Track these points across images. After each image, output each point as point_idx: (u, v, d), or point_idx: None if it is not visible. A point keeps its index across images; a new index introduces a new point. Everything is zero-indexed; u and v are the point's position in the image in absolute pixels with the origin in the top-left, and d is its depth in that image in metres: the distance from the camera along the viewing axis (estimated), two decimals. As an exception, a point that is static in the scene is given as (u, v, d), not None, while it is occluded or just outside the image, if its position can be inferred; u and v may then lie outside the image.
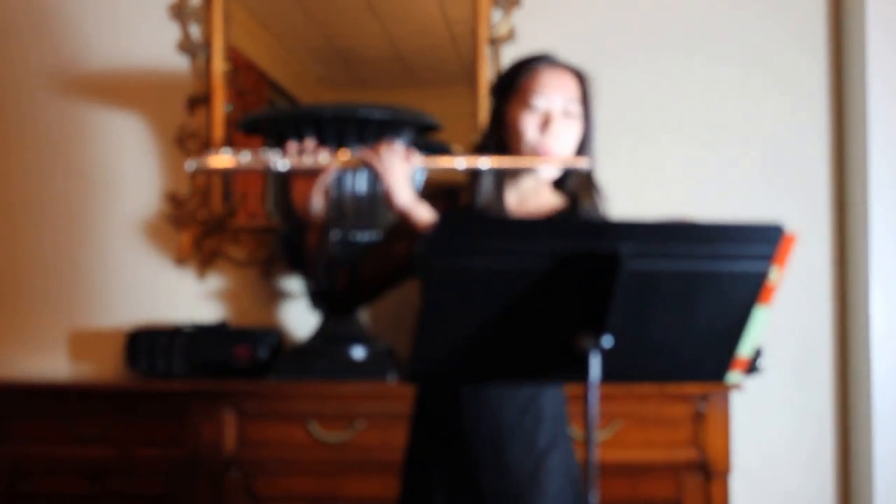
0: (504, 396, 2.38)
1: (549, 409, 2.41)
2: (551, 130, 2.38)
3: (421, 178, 3.31)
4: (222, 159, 2.39)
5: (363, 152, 2.39)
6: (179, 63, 3.85)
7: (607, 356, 1.91)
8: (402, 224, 2.41)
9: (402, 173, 2.36)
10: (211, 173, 2.49)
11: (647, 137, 3.77)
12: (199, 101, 3.81)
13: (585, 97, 2.44)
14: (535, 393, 2.40)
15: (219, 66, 3.81)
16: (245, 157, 2.39)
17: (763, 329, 2.06)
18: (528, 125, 2.39)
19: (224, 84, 3.81)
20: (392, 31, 3.88)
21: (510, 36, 3.77)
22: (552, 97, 2.39)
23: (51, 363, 3.82)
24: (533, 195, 2.50)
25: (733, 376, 2.10)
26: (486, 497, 2.36)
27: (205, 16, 3.83)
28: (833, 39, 3.79)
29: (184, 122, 3.81)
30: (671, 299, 1.93)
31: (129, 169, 3.84)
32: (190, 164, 2.42)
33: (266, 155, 2.37)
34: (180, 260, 3.82)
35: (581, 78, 2.45)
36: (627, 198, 3.70)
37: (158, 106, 3.84)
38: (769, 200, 3.75)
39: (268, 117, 3.53)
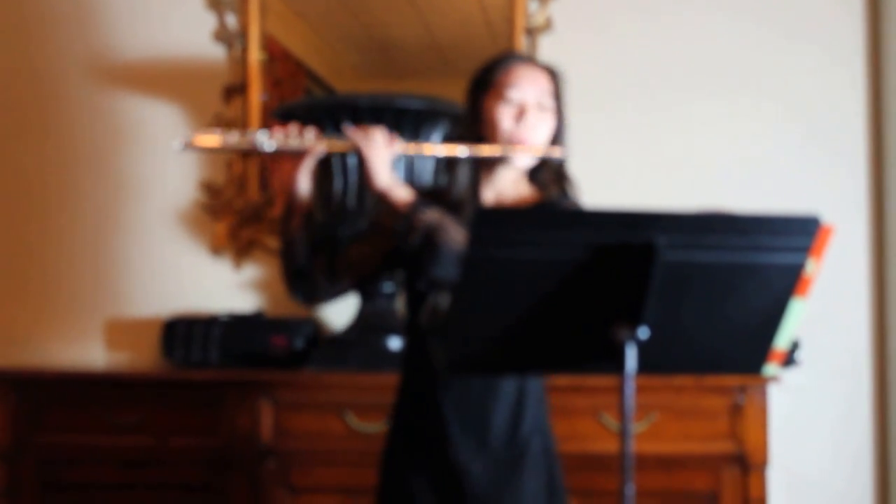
0: (485, 384, 2.43)
1: (532, 395, 2.48)
2: (526, 121, 2.44)
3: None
4: (209, 138, 2.44)
5: (348, 133, 2.44)
6: (216, 52, 3.85)
7: (643, 347, 1.91)
8: (385, 221, 2.48)
9: (384, 155, 2.41)
10: (198, 151, 2.53)
11: (683, 119, 3.76)
12: (236, 90, 3.82)
13: (558, 92, 2.51)
14: (517, 380, 2.46)
15: (255, 55, 3.81)
16: (232, 137, 2.44)
17: (800, 321, 2.05)
18: (504, 116, 2.45)
19: (260, 73, 3.82)
20: (429, 20, 3.86)
21: (547, 26, 3.76)
22: (526, 90, 2.45)
23: (87, 352, 3.84)
24: (509, 188, 2.54)
25: (770, 368, 2.09)
26: (466, 485, 2.42)
27: (241, 5, 3.84)
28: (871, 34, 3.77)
29: (220, 112, 3.81)
30: (707, 291, 1.92)
31: (165, 158, 3.85)
32: (177, 144, 2.45)
33: (253, 135, 2.41)
34: (216, 249, 3.83)
35: (553, 74, 2.52)
36: (664, 176, 3.72)
37: (195, 95, 3.85)
38: (806, 190, 3.72)
39: (304, 106, 3.52)
